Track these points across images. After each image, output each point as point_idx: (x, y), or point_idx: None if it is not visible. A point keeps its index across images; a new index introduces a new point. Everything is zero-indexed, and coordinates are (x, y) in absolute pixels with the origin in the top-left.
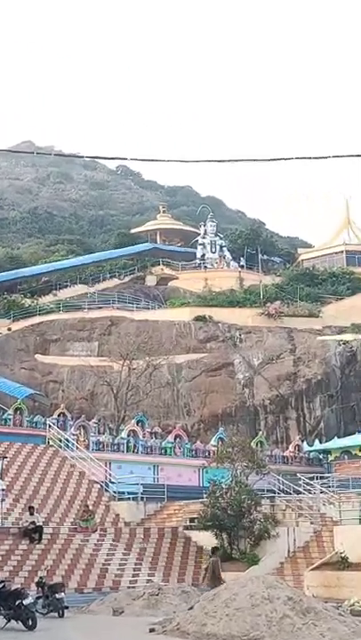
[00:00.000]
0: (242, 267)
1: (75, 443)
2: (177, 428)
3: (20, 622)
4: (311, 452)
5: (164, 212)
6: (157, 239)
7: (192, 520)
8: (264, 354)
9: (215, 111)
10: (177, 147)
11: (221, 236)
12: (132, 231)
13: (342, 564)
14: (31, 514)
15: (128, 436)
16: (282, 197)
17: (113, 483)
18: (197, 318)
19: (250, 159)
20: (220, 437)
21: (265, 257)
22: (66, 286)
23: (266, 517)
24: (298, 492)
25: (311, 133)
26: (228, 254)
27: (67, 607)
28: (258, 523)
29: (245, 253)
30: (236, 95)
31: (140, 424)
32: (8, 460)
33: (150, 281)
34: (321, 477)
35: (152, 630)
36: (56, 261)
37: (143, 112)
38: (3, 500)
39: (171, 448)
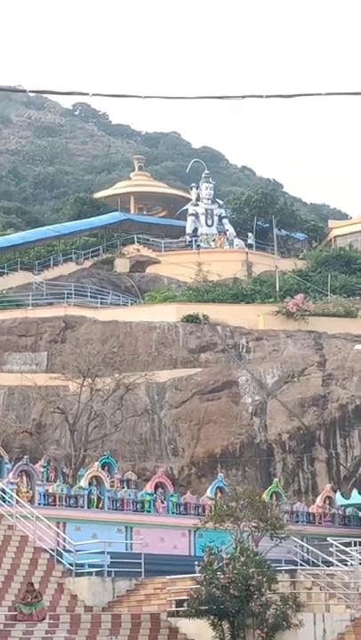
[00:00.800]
0: (250, 246)
1: (14, 495)
2: (159, 473)
3: None
4: (348, 507)
5: (140, 168)
6: (131, 207)
7: (180, 603)
8: (281, 369)
9: (209, 34)
10: (159, 80)
11: (221, 202)
12: (96, 196)
13: None
14: None
15: (90, 485)
16: (306, 150)
17: (69, 551)
18: (188, 319)
19: (261, 95)
20: (219, 487)
21: (283, 232)
22: (1, 274)
23: (284, 599)
24: (329, 564)
25: (343, 64)
26: (230, 228)
27: None
28: (273, 607)
29: (255, 227)
30: (238, 15)
31: (106, 468)
32: None
33: (121, 266)
34: None
35: None
36: None
37: (110, 33)
38: None
39: (150, 502)
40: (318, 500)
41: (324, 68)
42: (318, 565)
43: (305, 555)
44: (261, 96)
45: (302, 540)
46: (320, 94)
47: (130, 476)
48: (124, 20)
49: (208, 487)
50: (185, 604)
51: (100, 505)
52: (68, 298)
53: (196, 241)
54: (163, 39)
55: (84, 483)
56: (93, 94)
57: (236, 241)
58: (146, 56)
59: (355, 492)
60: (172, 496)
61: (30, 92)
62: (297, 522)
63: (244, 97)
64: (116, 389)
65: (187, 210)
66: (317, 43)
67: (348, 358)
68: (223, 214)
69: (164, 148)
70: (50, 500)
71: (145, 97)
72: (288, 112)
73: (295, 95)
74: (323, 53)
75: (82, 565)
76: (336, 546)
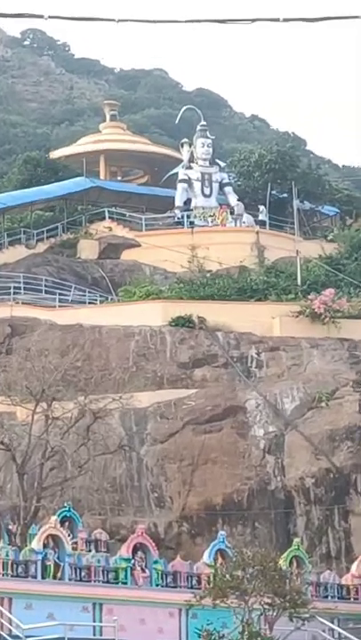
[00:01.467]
0: (262, 224)
1: None
2: (138, 531)
3: None
4: None
5: (113, 118)
6: (101, 171)
7: None
8: (304, 390)
9: None
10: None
11: (223, 164)
12: (53, 155)
13: None
14: None
15: (45, 547)
16: (337, 94)
17: (16, 637)
18: (177, 322)
19: (277, 18)
20: (219, 549)
21: (306, 205)
22: None
23: None
24: None
25: None
26: (235, 200)
27: None
28: None
29: (269, 198)
30: None
31: (67, 524)
32: None
33: (87, 251)
34: None
35: None
36: None
37: None
38: None
39: (126, 570)
40: (354, 569)
41: None
42: None
43: None
44: (277, 19)
45: (333, 622)
46: (357, 17)
47: (99, 535)
48: None
49: (205, 550)
50: None
51: (59, 574)
52: (15, 294)
53: (188, 217)
54: None
55: (36, 544)
56: (50, 17)
57: (244, 217)
58: None
59: None
60: (156, 562)
61: None
62: (325, 597)
63: (253, 21)
64: (81, 418)
65: (176, 175)
66: None
67: None
68: (226, 180)
69: (145, 90)
70: None
71: (120, 20)
72: (313, 44)
73: (322, 19)
74: None
75: None
76: None
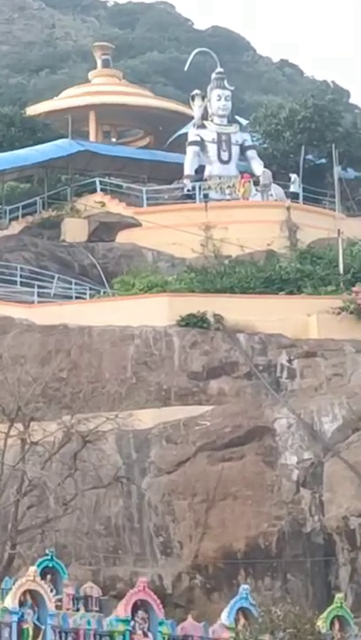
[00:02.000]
0: (294, 197)
1: None
2: (139, 585)
3: None
4: None
5: (106, 64)
6: (91, 131)
7: None
8: (349, 407)
9: None
10: None
11: (245, 122)
12: (30, 112)
13: None
14: None
15: (21, 605)
16: None
17: None
18: (188, 321)
19: None
20: (242, 607)
21: (350, 174)
22: None
23: None
24: None
25: None
26: (260, 167)
27: None
28: None
29: (303, 165)
30: None
31: (49, 577)
32: None
33: (74, 232)
34: None
35: None
36: None
37: None
38: None
39: (125, 634)
40: None
41: None
42: None
43: None
44: None
45: None
46: None
47: (89, 590)
48: None
49: (224, 608)
50: None
51: (39, 639)
52: None
53: (201, 188)
54: None
55: (11, 602)
56: None
57: (272, 188)
58: None
59: None
60: (161, 624)
61: None
62: None
63: None
64: (66, 442)
65: (185, 135)
66: None
67: None
68: (248, 142)
69: (145, 29)
70: None
71: None
72: None
73: None
74: None
75: None
76: None
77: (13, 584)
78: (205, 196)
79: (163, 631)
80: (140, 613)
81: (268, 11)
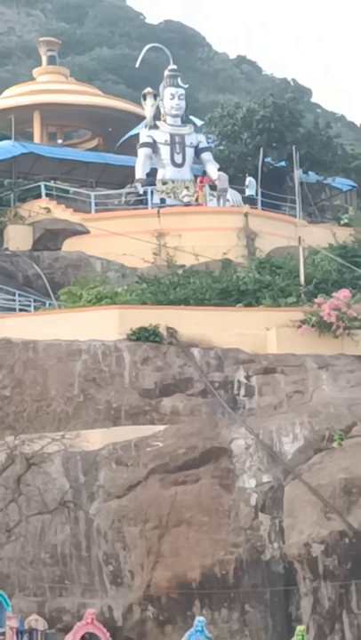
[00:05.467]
0: (252, 202)
1: None
2: (87, 617)
3: None
4: None
5: (52, 61)
6: (36, 132)
7: None
8: (310, 426)
9: None
10: None
11: (200, 122)
12: None
13: None
14: None
15: None
16: (353, 32)
17: None
18: (139, 335)
19: None
20: None
21: (311, 177)
22: None
23: None
24: None
25: None
26: (215, 170)
27: None
28: None
29: (261, 168)
30: None
31: None
32: None
33: (17, 239)
34: None
35: None
36: None
37: None
38: None
39: None
40: None
41: None
42: None
43: None
44: None
45: None
46: None
47: (34, 623)
48: None
49: None
50: None
51: None
52: None
53: (153, 193)
54: None
55: None
56: None
57: (229, 193)
58: None
59: None
60: None
61: None
62: None
63: None
64: (10, 464)
65: (137, 137)
66: None
67: None
68: (203, 144)
69: (94, 23)
70: None
71: None
72: None
73: None
74: None
75: None
76: None
77: None
78: (162, 201)
79: None
80: None
81: (225, 4)
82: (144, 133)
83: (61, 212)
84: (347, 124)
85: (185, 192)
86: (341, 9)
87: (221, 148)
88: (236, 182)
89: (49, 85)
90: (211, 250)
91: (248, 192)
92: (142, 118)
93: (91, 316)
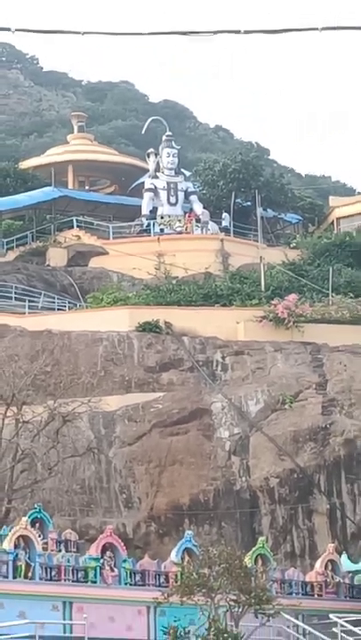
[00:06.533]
0: (226, 231)
1: None
2: (107, 531)
3: None
4: (356, 573)
5: (81, 129)
6: (69, 181)
7: None
8: (268, 393)
9: None
10: (105, 13)
11: (188, 174)
12: (22, 166)
13: None
14: None
15: (16, 547)
16: (300, 106)
17: None
18: (144, 327)
19: (238, 30)
20: (186, 548)
21: (269, 213)
22: None
23: None
24: None
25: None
26: (200, 208)
27: None
28: None
29: (233, 206)
30: None
31: (37, 525)
32: None
33: (56, 258)
34: None
35: None
36: None
37: None
38: None
39: (96, 570)
40: (318, 566)
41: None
42: None
43: (301, 637)
44: (239, 31)
45: (297, 618)
46: (316, 29)
47: (69, 535)
48: None
49: (173, 549)
50: None
51: (30, 574)
52: None
53: (155, 225)
54: None
55: (7, 545)
56: (17, 30)
57: (209, 224)
58: None
59: None
60: (124, 561)
61: None
62: (290, 594)
63: (215, 32)
64: (50, 421)
65: (142, 184)
66: None
67: (357, 378)
68: (191, 189)
69: (112, 102)
70: None
71: (85, 33)
72: (276, 56)
73: (283, 30)
74: None
75: None
76: (342, 625)
77: (10, 531)
78: (161, 231)
79: (125, 567)
80: (108, 553)
81: (206, 86)
82: (148, 182)
83: (88, 239)
84: (295, 174)
85: (178, 224)
86: (298, 89)
87: (204, 192)
88: (215, 217)
89: (79, 147)
90: (196, 265)
91: (223, 224)
92: (146, 171)
93: (109, 313)
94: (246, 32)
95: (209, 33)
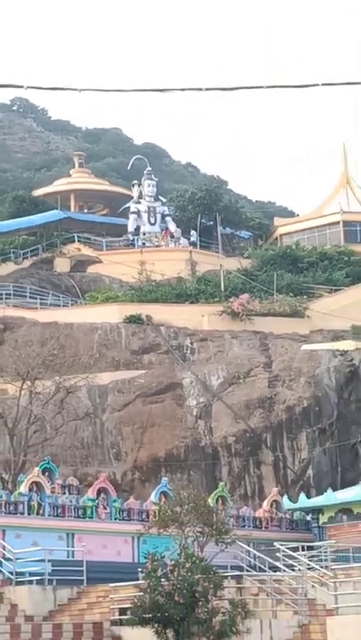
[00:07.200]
0: (194, 245)
1: None
2: (101, 478)
3: None
4: (295, 510)
5: (80, 165)
6: (71, 205)
7: (123, 611)
8: (226, 370)
9: (146, 26)
10: (99, 74)
11: (164, 200)
12: (35, 193)
13: None
14: None
15: (30, 490)
16: (251, 146)
17: (8, 560)
18: (130, 319)
19: (200, 88)
20: (163, 491)
21: (227, 230)
22: None
23: (234, 605)
24: (276, 570)
25: (291, 58)
26: (173, 227)
27: None
28: (219, 614)
29: (199, 225)
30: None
31: (47, 474)
32: None
33: (61, 266)
34: (309, 547)
35: None
36: None
37: (46, 25)
38: None
39: (92, 508)
40: (265, 504)
41: (268, 59)
42: (265, 571)
43: (252, 560)
44: (200, 89)
45: (249, 546)
46: (262, 87)
47: (71, 481)
48: (60, 12)
49: (152, 492)
50: (128, 612)
51: (41, 511)
52: (6, 299)
53: (138, 240)
54: (100, 31)
55: (23, 489)
56: (28, 87)
57: (181, 240)
58: (84, 49)
59: (302, 495)
60: (114, 501)
61: None
62: (243, 527)
63: (183, 90)
64: (57, 392)
65: (129, 208)
66: (260, 33)
67: (295, 359)
68: (166, 212)
69: (105, 144)
70: None
71: (81, 90)
72: (232, 106)
73: (236, 88)
74: (266, 43)
75: (22, 574)
76: (283, 551)
77: (25, 478)
78: (142, 244)
79: (115, 506)
80: (102, 495)
81: (179, 131)
82: (133, 206)
83: (86, 251)
84: (248, 200)
85: (156, 239)
86: (252, 132)
87: (177, 214)
88: (185, 233)
89: (79, 179)
90: (170, 271)
91: (192, 239)
92: (132, 197)
93: (103, 309)
94: (207, 89)
95: (177, 90)
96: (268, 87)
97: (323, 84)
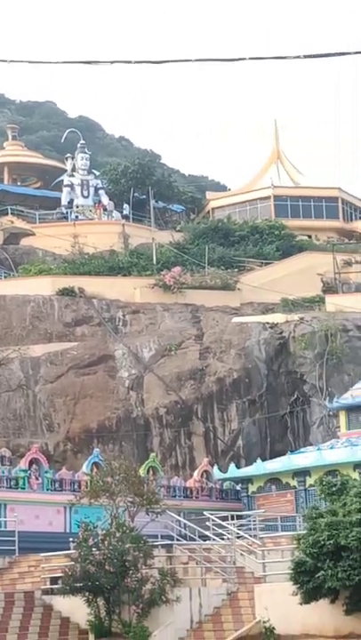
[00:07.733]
0: (126, 218)
1: None
2: (33, 449)
3: None
4: (225, 480)
5: (14, 138)
6: (5, 178)
7: (54, 581)
8: (158, 342)
9: None
10: (32, 45)
11: (97, 173)
12: None
13: (267, 637)
14: None
15: None
16: (184, 119)
17: None
18: (63, 292)
19: (129, 61)
20: (94, 462)
21: (160, 204)
22: None
23: (163, 574)
24: (206, 538)
25: (222, 28)
26: (106, 200)
27: None
28: (149, 582)
29: (132, 199)
30: None
31: None
32: None
33: None
34: (238, 517)
35: None
36: None
37: None
38: None
39: (24, 479)
40: (196, 475)
41: (198, 31)
42: (195, 540)
43: (182, 529)
44: (130, 61)
45: (179, 515)
46: (190, 60)
47: (4, 452)
48: None
49: (84, 463)
50: (59, 582)
51: None
52: None
53: (71, 212)
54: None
55: None
56: None
57: (114, 213)
58: (15, 20)
59: (232, 465)
60: (46, 472)
61: None
62: (174, 496)
63: (112, 62)
64: None
65: (62, 181)
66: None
67: (226, 331)
68: (99, 185)
69: (39, 117)
70: None
71: (11, 61)
72: (166, 80)
73: (165, 61)
74: (202, 18)
75: None
76: (213, 520)
77: None
78: (75, 217)
79: (47, 476)
80: (34, 466)
81: (113, 103)
82: (66, 179)
83: (19, 223)
84: (180, 174)
85: (89, 212)
86: (184, 105)
87: (110, 187)
88: (118, 207)
89: (13, 152)
90: (103, 244)
91: (124, 212)
92: (65, 171)
93: (36, 281)
94: (136, 62)
95: (107, 62)
96: (196, 60)
97: (250, 58)
